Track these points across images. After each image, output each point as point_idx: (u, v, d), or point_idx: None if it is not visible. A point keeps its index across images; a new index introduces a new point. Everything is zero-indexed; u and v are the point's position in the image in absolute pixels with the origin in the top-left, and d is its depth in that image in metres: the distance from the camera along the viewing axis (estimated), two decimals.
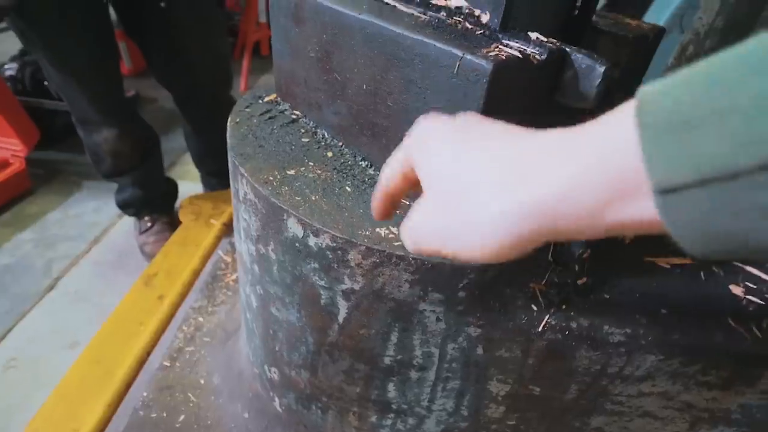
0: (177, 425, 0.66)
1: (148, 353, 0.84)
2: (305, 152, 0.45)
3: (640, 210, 0.17)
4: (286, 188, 0.40)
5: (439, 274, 0.34)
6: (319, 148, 0.46)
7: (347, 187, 0.41)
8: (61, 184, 1.51)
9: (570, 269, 0.40)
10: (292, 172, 0.42)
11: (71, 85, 0.94)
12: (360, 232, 0.36)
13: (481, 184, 0.20)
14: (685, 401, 0.42)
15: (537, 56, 0.32)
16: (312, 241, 0.37)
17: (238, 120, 0.51)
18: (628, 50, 0.41)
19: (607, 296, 0.39)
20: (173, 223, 1.21)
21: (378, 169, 0.43)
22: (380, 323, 0.39)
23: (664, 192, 0.15)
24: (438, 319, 0.37)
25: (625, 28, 0.43)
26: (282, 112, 0.53)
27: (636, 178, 0.16)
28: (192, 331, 0.80)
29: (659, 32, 0.44)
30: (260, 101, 0.55)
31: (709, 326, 0.38)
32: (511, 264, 0.37)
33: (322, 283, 0.39)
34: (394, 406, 0.49)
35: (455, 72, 0.31)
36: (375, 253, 0.35)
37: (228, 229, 1.14)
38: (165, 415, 0.67)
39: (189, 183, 1.46)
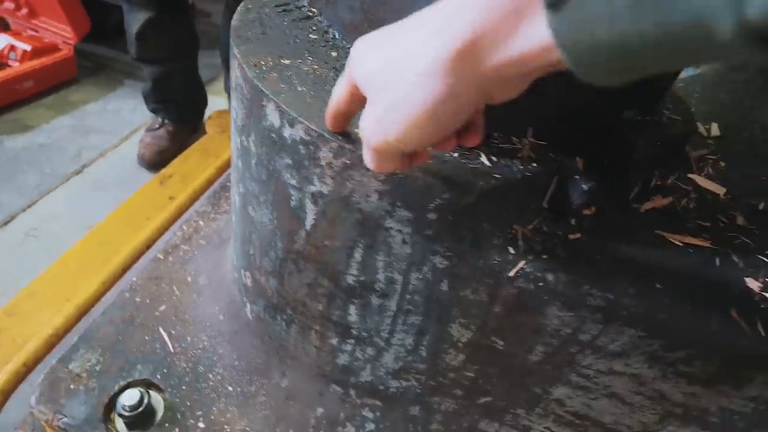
0: (156, 313, 0.68)
1: (149, 246, 0.87)
2: (309, 48, 0.42)
3: (540, 36, 0.17)
4: (275, 75, 0.37)
5: (410, 187, 0.31)
6: (325, 46, 0.43)
7: None
8: (105, 79, 1.55)
9: (565, 221, 0.36)
10: (287, 62, 0.39)
11: None
12: None
13: (403, 58, 0.21)
14: (659, 390, 0.38)
15: None
16: (287, 131, 0.34)
17: (249, 6, 0.47)
18: None
19: (598, 257, 0.35)
20: (180, 136, 1.22)
21: None
22: (345, 236, 0.37)
23: (552, 6, 0.16)
24: (404, 242, 0.35)
25: None
26: (299, 7, 0.49)
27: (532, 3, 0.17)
28: (191, 231, 0.82)
29: None
30: None
31: (705, 312, 0.33)
32: (497, 201, 0.34)
33: (293, 182, 0.37)
34: (354, 332, 0.47)
35: None
36: (346, 153, 0.32)
37: None
38: (148, 301, 0.70)
39: (223, 99, 1.46)
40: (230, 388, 0.60)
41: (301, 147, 0.34)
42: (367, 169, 0.32)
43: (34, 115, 1.33)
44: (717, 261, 0.38)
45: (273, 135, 0.36)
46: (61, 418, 0.54)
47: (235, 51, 0.39)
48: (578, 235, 0.36)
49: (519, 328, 0.38)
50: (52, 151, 1.23)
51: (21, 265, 0.97)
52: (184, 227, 0.82)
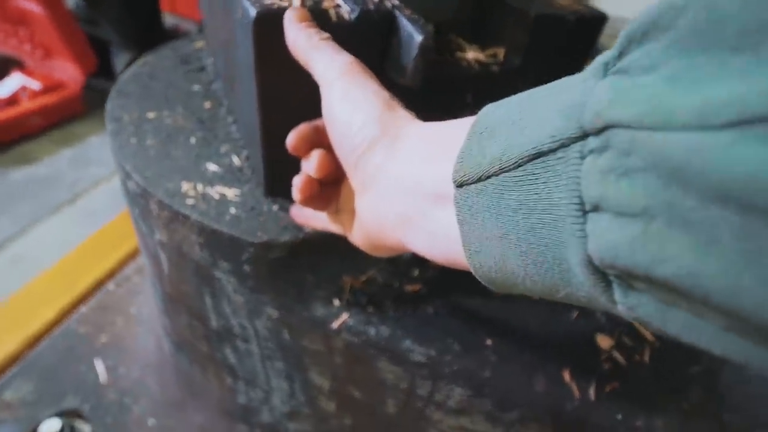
0: (97, 344, 0.71)
1: (111, 276, 0.90)
2: (185, 99, 0.44)
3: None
4: (132, 129, 0.39)
5: (221, 240, 0.32)
6: (203, 97, 0.45)
7: (193, 139, 0.39)
8: None
9: (400, 272, 0.36)
10: (151, 115, 0.41)
11: (94, 9, 1.03)
12: (164, 183, 0.34)
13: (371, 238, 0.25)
14: None
15: (345, 14, 0.27)
16: (129, 184, 0.36)
17: (149, 59, 0.50)
18: (528, 31, 0.34)
19: (431, 310, 0.35)
20: None
21: (237, 123, 0.40)
22: (192, 282, 0.38)
23: (457, 187, 0.17)
24: (235, 291, 0.35)
25: (540, 6, 0.36)
26: (199, 58, 0.52)
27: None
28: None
29: (590, 19, 0.36)
30: (190, 44, 0.54)
31: (531, 371, 0.32)
32: (322, 254, 0.34)
33: (145, 230, 0.38)
34: (240, 373, 0.48)
35: (240, 19, 0.27)
36: (165, 208, 0.33)
37: None
38: (91, 332, 0.72)
39: None
40: (150, 422, 0.61)
41: (140, 199, 0.36)
42: (185, 221, 0.33)
43: (40, 149, 1.43)
44: (573, 315, 0.36)
45: (125, 187, 0.38)
46: None
47: (108, 104, 0.42)
48: (417, 287, 0.36)
49: (364, 379, 0.37)
50: (50, 182, 1.32)
51: (4, 290, 1.03)
52: (140, 259, 0.86)
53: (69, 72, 1.52)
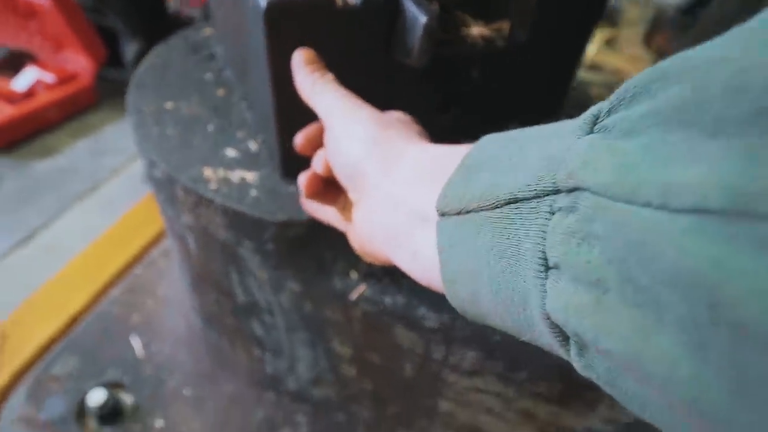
0: (130, 323, 0.75)
1: (138, 259, 0.94)
2: (199, 88, 0.46)
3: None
4: (152, 120, 0.41)
5: (244, 221, 0.34)
6: (216, 85, 0.46)
7: (210, 126, 0.41)
8: (124, 101, 1.68)
9: None
10: (169, 105, 0.43)
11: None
12: (188, 169, 0.36)
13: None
14: (525, 409, 0.39)
15: (350, 0, 0.28)
16: (155, 172, 0.38)
17: (161, 50, 0.52)
18: (533, 4, 0.35)
19: None
20: None
21: (251, 109, 0.42)
22: (219, 262, 0.40)
23: (440, 215, 0.18)
24: (260, 268, 0.38)
25: None
26: (209, 46, 0.53)
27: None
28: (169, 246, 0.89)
29: None
30: (198, 32, 0.56)
31: None
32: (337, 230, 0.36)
33: (171, 213, 0.41)
34: (266, 345, 0.51)
35: (251, 8, 0.29)
36: (191, 193, 0.35)
37: None
38: (124, 312, 0.77)
39: None
40: (185, 392, 0.66)
41: (165, 186, 0.38)
42: (209, 205, 0.35)
43: (58, 140, 1.47)
44: None
45: (151, 174, 0.40)
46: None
47: (127, 97, 0.44)
48: None
49: (382, 345, 0.39)
50: (70, 174, 1.36)
51: (40, 277, 1.09)
52: (164, 243, 0.90)
53: (81, 63, 1.54)
